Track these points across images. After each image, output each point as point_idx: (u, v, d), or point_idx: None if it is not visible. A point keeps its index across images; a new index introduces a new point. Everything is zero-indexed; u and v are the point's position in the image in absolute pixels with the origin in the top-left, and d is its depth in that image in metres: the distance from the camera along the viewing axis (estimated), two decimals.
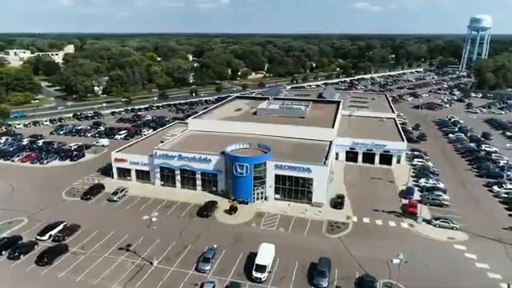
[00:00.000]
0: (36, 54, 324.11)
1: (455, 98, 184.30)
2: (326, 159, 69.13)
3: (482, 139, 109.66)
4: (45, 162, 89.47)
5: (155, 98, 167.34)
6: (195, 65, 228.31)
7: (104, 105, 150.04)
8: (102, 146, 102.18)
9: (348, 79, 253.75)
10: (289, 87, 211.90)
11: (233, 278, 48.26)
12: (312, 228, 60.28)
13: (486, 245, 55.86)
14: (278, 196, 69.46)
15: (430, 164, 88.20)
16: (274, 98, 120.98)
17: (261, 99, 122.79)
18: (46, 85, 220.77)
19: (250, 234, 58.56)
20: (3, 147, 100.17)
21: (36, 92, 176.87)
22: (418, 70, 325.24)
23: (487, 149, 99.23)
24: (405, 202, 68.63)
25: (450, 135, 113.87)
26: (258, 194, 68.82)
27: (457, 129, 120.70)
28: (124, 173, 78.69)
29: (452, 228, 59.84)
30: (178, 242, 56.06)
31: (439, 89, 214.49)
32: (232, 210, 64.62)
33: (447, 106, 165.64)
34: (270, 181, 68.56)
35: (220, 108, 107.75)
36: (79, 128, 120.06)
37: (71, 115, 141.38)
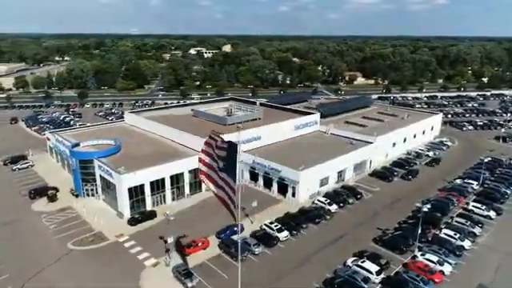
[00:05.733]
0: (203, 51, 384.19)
1: None
2: (138, 170, 62.44)
3: (506, 195, 71.44)
4: (42, 133, 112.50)
5: (208, 95, 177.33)
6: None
7: (160, 95, 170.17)
8: None
9: (473, 94, 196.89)
10: (376, 97, 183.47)
11: None
12: (73, 234, 57.27)
13: None
14: (104, 197, 67.79)
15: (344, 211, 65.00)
16: (260, 104, 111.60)
17: (252, 103, 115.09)
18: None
19: (26, 223, 60.88)
20: (43, 119, 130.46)
21: (140, 81, 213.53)
22: None
23: (473, 208, 64.94)
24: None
25: (458, 181, 78.36)
26: (88, 190, 69.05)
27: (487, 174, 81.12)
28: (52, 150, 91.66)
29: (183, 284, 45.65)
30: None
31: None
32: (49, 199, 67.61)
33: None
34: (98, 180, 67.59)
35: (183, 107, 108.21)
36: (109, 112, 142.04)
37: (132, 102, 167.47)
